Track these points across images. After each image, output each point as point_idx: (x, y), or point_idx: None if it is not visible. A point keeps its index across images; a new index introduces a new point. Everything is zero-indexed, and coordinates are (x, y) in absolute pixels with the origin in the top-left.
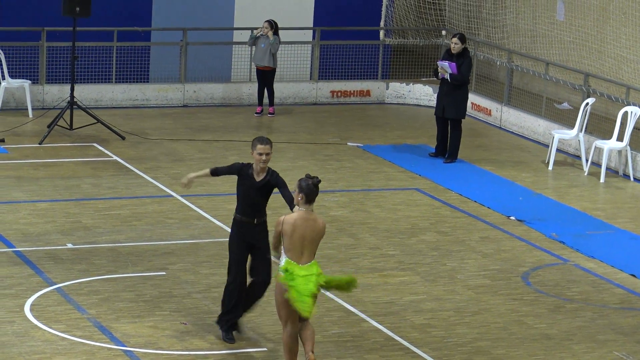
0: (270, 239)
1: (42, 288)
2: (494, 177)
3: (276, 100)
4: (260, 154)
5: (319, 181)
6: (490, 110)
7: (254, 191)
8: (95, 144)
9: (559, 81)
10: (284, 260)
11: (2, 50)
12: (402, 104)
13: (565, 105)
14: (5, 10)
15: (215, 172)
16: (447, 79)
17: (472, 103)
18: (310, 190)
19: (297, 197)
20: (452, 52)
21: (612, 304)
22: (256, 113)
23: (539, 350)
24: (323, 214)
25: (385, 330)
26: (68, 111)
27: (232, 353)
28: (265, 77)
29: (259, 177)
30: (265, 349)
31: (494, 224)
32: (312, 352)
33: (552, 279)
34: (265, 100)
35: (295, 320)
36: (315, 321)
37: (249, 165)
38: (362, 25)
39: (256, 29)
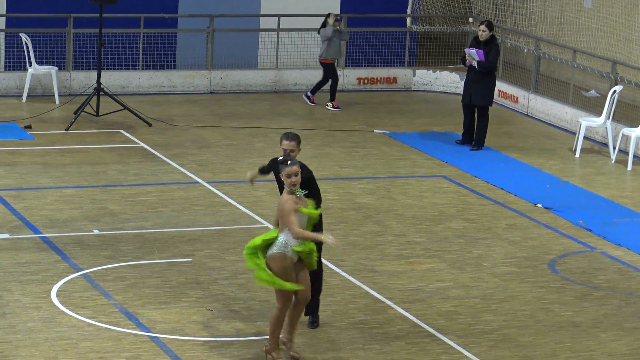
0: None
1: (68, 274)
2: (521, 165)
3: (303, 87)
4: (285, 150)
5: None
6: (517, 97)
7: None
8: (121, 131)
9: (587, 69)
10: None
11: (29, 36)
12: (429, 91)
13: (593, 92)
14: None
15: (262, 170)
16: (475, 67)
17: (499, 90)
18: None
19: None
20: (480, 39)
21: (639, 292)
22: (312, 102)
23: (565, 338)
24: (349, 200)
25: (411, 317)
26: (95, 98)
27: (257, 340)
28: (333, 70)
29: None
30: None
31: (520, 211)
32: (291, 338)
33: (579, 267)
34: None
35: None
36: (341, 308)
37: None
38: (389, 12)
39: (328, 18)
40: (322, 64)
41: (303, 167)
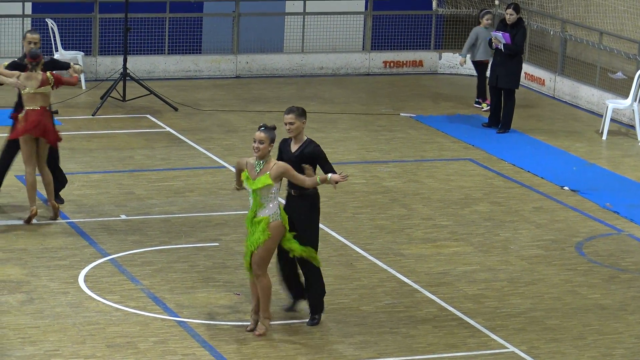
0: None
1: (95, 259)
2: (548, 147)
3: (328, 71)
4: (285, 124)
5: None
6: (543, 80)
7: (291, 163)
8: (148, 116)
9: (613, 50)
10: (277, 205)
11: (55, 22)
12: (455, 74)
13: (620, 74)
14: None
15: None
16: (501, 49)
17: (525, 73)
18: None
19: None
20: (507, 22)
21: None
22: (488, 105)
23: (593, 321)
24: (376, 184)
25: (438, 300)
26: (121, 83)
27: (284, 323)
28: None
29: (293, 148)
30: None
31: (547, 194)
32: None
33: (606, 249)
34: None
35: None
36: (369, 292)
37: (290, 138)
38: None
39: (483, 18)
40: (479, 63)
41: (310, 142)
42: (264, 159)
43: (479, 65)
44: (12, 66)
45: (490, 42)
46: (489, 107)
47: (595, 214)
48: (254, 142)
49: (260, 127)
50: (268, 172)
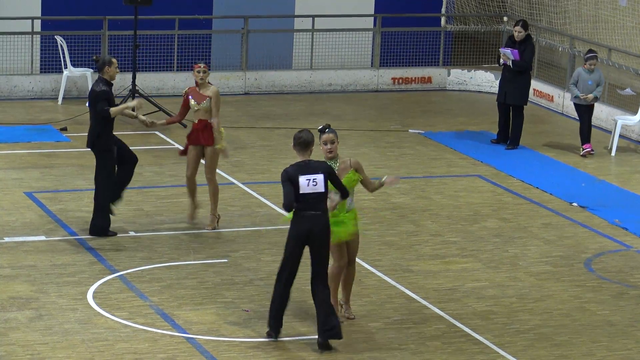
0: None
1: (104, 275)
2: (556, 164)
3: (337, 88)
4: (325, 144)
5: (322, 128)
6: (552, 96)
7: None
8: (157, 132)
9: (622, 67)
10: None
11: (64, 39)
12: (464, 90)
13: (628, 91)
14: None
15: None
16: (510, 66)
17: (534, 89)
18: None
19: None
20: (516, 39)
21: None
22: (587, 152)
23: (602, 337)
24: (384, 200)
25: (447, 317)
26: (130, 99)
27: (293, 340)
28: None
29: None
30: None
31: (556, 210)
32: (347, 303)
33: (615, 266)
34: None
35: (340, 257)
36: (377, 308)
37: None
38: (424, 12)
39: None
40: (580, 106)
41: (320, 162)
42: (335, 159)
43: (580, 108)
44: None
45: (498, 59)
46: (585, 151)
47: (604, 230)
48: (325, 144)
49: (325, 129)
50: (350, 169)
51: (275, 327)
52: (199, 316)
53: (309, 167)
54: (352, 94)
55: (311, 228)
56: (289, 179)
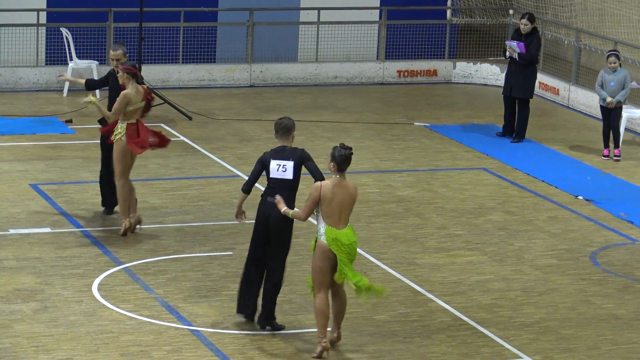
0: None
1: (109, 268)
2: (562, 157)
3: (342, 80)
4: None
5: (351, 152)
6: (558, 89)
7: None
8: (162, 124)
9: (628, 60)
10: (323, 227)
11: (69, 31)
12: (469, 83)
13: (634, 84)
14: None
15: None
16: (515, 59)
17: (539, 82)
18: (342, 159)
19: (330, 164)
20: (522, 32)
21: None
22: (604, 156)
23: (607, 330)
24: (390, 193)
25: (452, 310)
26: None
27: (298, 333)
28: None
29: None
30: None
31: (561, 203)
32: (339, 330)
33: (620, 259)
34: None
35: (327, 287)
36: (383, 301)
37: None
38: (429, 4)
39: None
40: (606, 108)
41: (296, 149)
42: None
43: (602, 110)
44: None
45: (504, 52)
46: (606, 157)
47: (609, 223)
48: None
49: (349, 151)
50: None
51: (242, 308)
52: (204, 309)
53: (283, 153)
54: (358, 86)
55: (270, 214)
56: (262, 160)
